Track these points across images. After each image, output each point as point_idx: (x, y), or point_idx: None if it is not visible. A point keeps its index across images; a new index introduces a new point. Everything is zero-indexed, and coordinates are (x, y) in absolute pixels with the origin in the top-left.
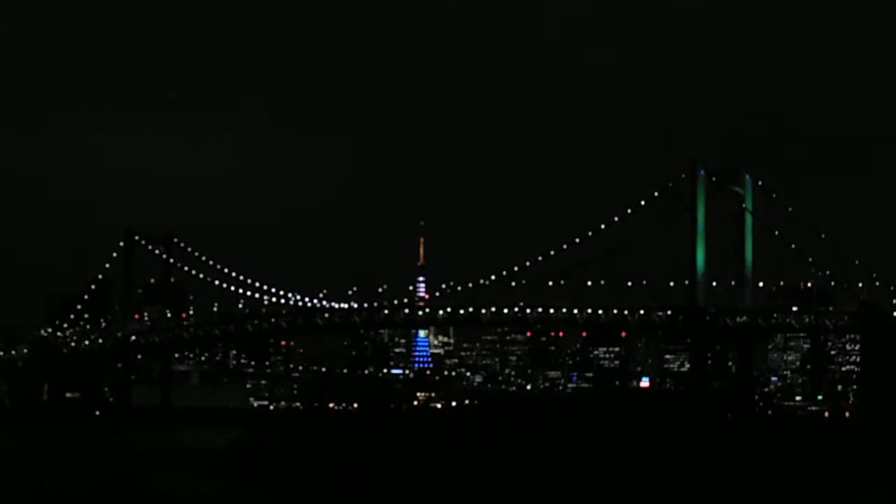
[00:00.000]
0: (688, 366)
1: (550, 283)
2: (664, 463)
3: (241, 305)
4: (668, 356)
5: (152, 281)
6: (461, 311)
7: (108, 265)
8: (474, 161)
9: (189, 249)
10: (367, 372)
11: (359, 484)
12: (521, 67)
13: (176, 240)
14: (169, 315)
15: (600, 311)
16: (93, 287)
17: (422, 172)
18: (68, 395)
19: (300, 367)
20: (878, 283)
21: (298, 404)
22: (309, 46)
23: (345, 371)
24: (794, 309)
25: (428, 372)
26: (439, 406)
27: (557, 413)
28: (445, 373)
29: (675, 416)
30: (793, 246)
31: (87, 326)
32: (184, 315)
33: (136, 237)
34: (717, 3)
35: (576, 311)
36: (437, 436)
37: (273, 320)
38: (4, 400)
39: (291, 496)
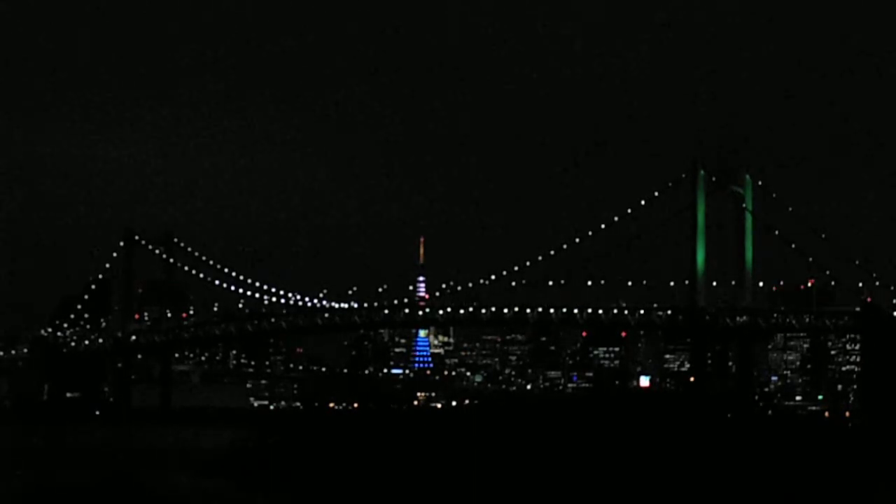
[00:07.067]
0: (688, 366)
1: (550, 283)
2: (664, 463)
3: (241, 305)
4: (668, 356)
5: (152, 281)
6: (461, 311)
7: (108, 265)
8: (474, 161)
9: (189, 249)
10: (367, 372)
11: (359, 484)
12: (523, 69)
13: (176, 240)
14: (169, 315)
15: (600, 311)
16: (93, 287)
17: (422, 172)
18: (68, 395)
19: (300, 367)
20: (878, 283)
21: (298, 404)
22: (307, 50)
23: (345, 371)
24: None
25: (428, 372)
26: (439, 406)
27: (557, 413)
28: (445, 373)
29: (675, 416)
30: (793, 246)
31: (87, 326)
32: (184, 315)
33: (136, 237)
34: (718, 3)
35: (576, 311)
36: (437, 436)
37: (273, 320)
38: (4, 400)
39: (292, 496)
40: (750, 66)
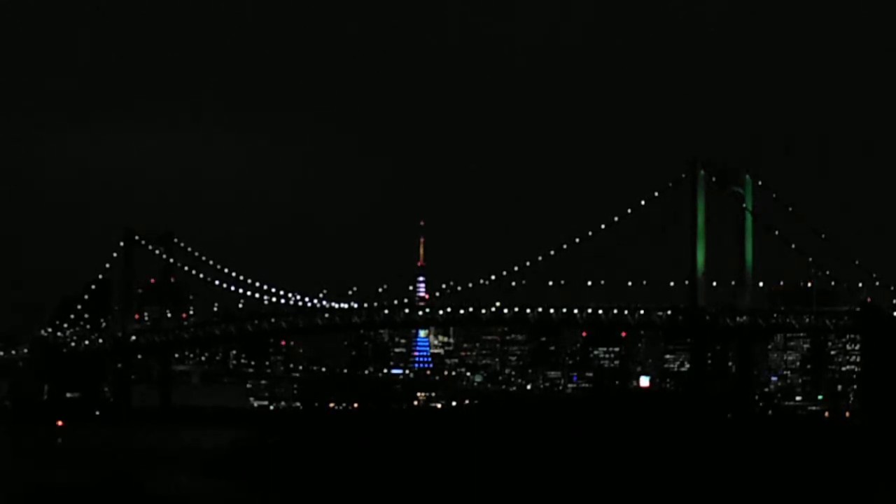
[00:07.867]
0: (688, 366)
1: (550, 283)
2: (664, 463)
3: (241, 305)
4: (668, 356)
5: (152, 281)
6: (461, 311)
7: (108, 265)
8: (474, 161)
9: (189, 249)
10: (367, 372)
11: (359, 484)
12: (522, 68)
13: (176, 240)
14: (169, 315)
15: (600, 311)
16: (93, 287)
17: (422, 172)
18: (68, 395)
19: (300, 367)
20: (878, 284)
21: (298, 404)
22: (307, 50)
23: (345, 371)
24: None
25: (428, 372)
26: (439, 406)
27: (557, 413)
28: (445, 373)
29: (675, 416)
30: (793, 246)
31: (87, 326)
32: (184, 315)
33: (136, 237)
34: (718, 3)
35: (576, 311)
36: (437, 436)
37: (273, 320)
38: (4, 400)
39: (291, 496)
40: (750, 65)
